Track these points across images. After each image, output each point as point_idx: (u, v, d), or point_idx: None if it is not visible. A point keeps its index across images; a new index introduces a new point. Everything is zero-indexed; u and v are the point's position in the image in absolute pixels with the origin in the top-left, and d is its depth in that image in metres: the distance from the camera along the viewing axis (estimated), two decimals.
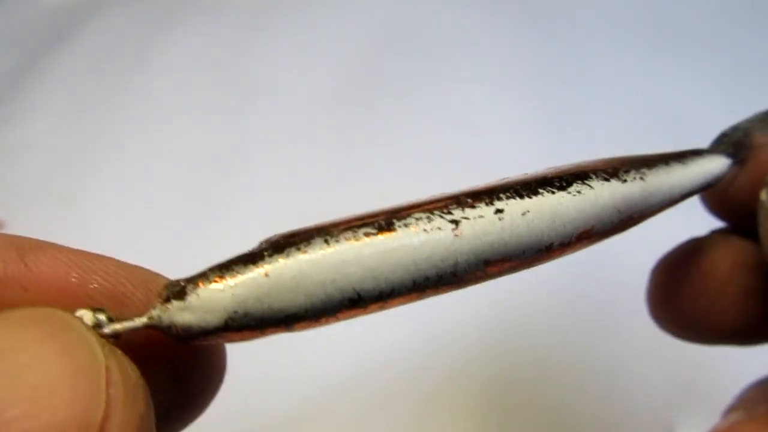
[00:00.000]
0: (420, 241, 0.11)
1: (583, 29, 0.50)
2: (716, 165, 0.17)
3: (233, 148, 0.42)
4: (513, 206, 0.12)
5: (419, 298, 0.12)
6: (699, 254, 0.19)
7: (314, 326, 0.11)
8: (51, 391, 0.09)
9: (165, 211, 0.39)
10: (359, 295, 0.11)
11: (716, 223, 0.20)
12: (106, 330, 0.11)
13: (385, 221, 0.11)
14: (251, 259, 0.11)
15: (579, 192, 0.13)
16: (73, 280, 0.12)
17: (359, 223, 0.12)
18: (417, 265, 0.11)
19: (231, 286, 0.11)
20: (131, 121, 0.44)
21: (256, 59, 0.48)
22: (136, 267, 0.13)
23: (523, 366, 0.32)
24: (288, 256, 0.11)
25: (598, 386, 0.31)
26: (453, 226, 0.12)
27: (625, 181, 0.14)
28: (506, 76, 0.46)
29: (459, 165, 0.39)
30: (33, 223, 0.38)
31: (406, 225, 0.11)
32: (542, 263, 0.13)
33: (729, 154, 0.17)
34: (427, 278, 0.11)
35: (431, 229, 0.11)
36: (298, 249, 0.11)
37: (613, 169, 0.14)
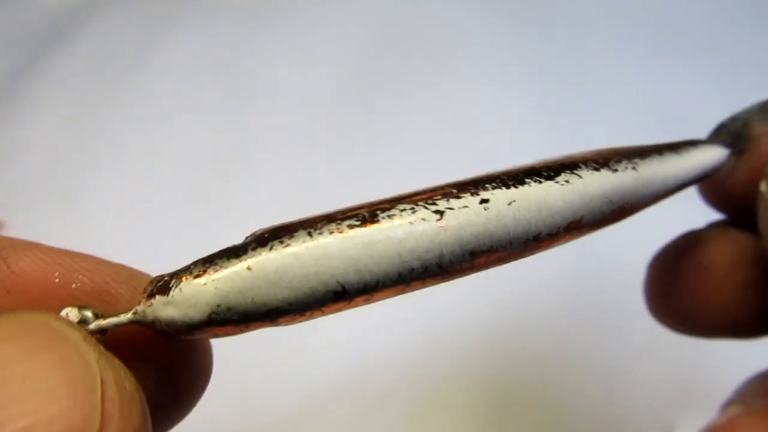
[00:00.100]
0: (404, 232, 0.11)
1: (583, 29, 0.50)
2: (713, 155, 0.16)
3: (233, 148, 0.42)
4: (498, 196, 0.12)
5: (405, 290, 0.12)
6: (697, 247, 0.19)
7: (300, 320, 0.11)
8: (49, 402, 0.09)
9: (165, 211, 0.39)
10: (344, 288, 0.11)
11: (715, 216, 0.19)
12: (91, 326, 0.11)
13: (369, 213, 0.11)
14: (234, 252, 0.11)
15: (567, 181, 0.13)
16: (56, 280, 0.12)
17: (344, 215, 0.11)
18: (401, 256, 0.11)
19: (214, 280, 0.11)
20: (131, 121, 0.44)
21: (256, 59, 0.48)
22: (119, 265, 0.13)
23: (523, 366, 0.32)
24: (271, 249, 0.11)
25: (598, 386, 0.31)
26: (437, 216, 0.11)
27: (616, 170, 0.13)
28: (506, 76, 0.46)
29: (459, 165, 0.39)
30: (33, 223, 0.38)
31: (390, 217, 0.11)
32: (531, 254, 0.12)
33: (727, 145, 0.17)
34: (412, 270, 0.11)
35: (415, 221, 0.11)
36: (282, 242, 0.11)
37: (604, 159, 0.14)
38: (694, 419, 0.17)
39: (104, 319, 0.11)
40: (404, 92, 0.46)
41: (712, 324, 0.19)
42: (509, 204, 0.12)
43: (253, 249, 0.11)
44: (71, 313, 0.11)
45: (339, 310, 0.11)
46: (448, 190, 0.12)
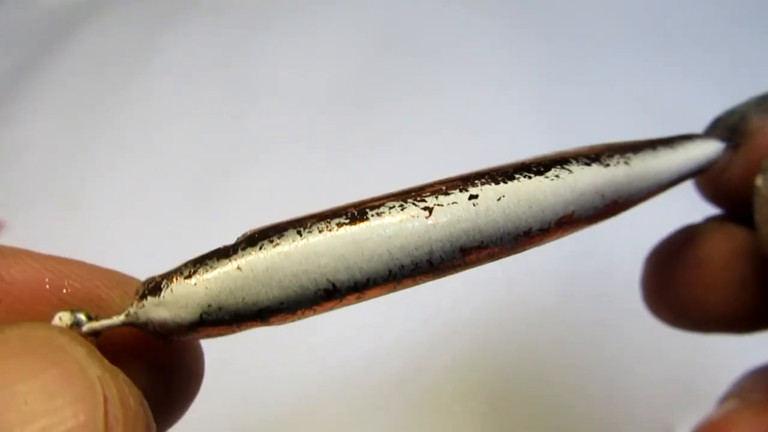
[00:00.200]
0: (393, 229, 0.11)
1: (583, 29, 0.50)
2: (708, 149, 0.16)
3: (233, 148, 0.42)
4: (488, 192, 0.12)
5: (397, 288, 0.12)
6: (694, 242, 0.19)
7: (292, 319, 0.11)
8: (51, 424, 0.09)
9: (165, 211, 0.39)
10: (334, 286, 0.11)
11: (712, 211, 0.19)
12: (84, 328, 0.11)
13: (357, 211, 0.11)
14: (225, 253, 0.11)
15: (557, 176, 0.12)
16: (46, 286, 0.12)
17: (333, 214, 0.11)
18: (391, 254, 0.11)
19: (204, 281, 0.11)
20: (131, 121, 0.44)
21: (256, 59, 0.48)
22: (110, 270, 0.13)
23: (522, 366, 0.32)
24: (261, 248, 0.11)
25: (598, 386, 0.31)
26: (426, 213, 0.11)
27: (608, 165, 0.13)
28: (506, 76, 0.46)
29: (459, 164, 0.39)
30: (33, 223, 0.38)
31: (378, 214, 0.11)
32: (523, 250, 0.12)
33: (724, 139, 0.17)
34: (402, 267, 0.11)
35: (404, 218, 0.11)
36: (271, 242, 0.11)
37: (596, 154, 0.13)
38: (694, 419, 0.17)
39: (97, 322, 0.11)
40: (404, 92, 0.46)
41: (708, 318, 0.18)
42: (498, 199, 0.12)
43: (243, 249, 0.11)
44: (64, 317, 0.11)
45: (331, 308, 0.11)
46: (437, 186, 0.12)
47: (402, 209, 0.11)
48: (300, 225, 0.11)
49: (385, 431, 0.30)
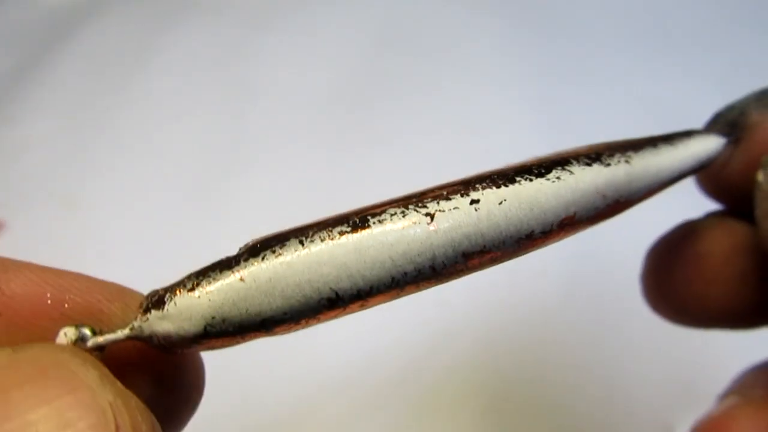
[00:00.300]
0: (395, 236, 0.11)
1: (583, 29, 0.50)
2: (709, 145, 0.16)
3: (233, 149, 0.42)
4: (489, 196, 0.12)
5: (400, 294, 0.12)
6: (694, 237, 0.18)
7: (296, 328, 0.11)
8: None
9: (165, 211, 0.39)
10: (337, 295, 0.11)
11: (712, 206, 0.19)
12: (89, 343, 0.11)
13: (359, 219, 0.11)
14: (227, 264, 0.11)
15: (558, 178, 0.12)
16: (48, 301, 0.12)
17: (334, 222, 0.11)
18: (394, 261, 0.11)
19: (207, 293, 0.11)
20: (131, 121, 0.44)
21: (256, 59, 0.48)
22: (110, 283, 0.13)
23: (522, 366, 0.32)
24: (263, 259, 0.11)
25: (598, 386, 0.31)
26: (428, 219, 0.11)
27: (609, 164, 0.13)
28: (506, 76, 0.46)
29: (459, 164, 0.39)
30: (33, 223, 0.38)
31: (380, 221, 0.11)
32: (526, 253, 0.12)
33: (724, 134, 0.17)
34: (405, 274, 0.11)
35: (406, 224, 0.11)
36: (273, 252, 0.11)
37: (596, 154, 0.13)
38: (694, 419, 0.17)
39: (102, 336, 0.11)
40: (404, 92, 0.46)
41: (708, 314, 0.18)
42: (500, 203, 0.12)
43: (246, 260, 0.11)
44: (69, 332, 0.11)
45: (334, 316, 0.11)
46: (438, 191, 0.12)
47: (404, 216, 0.11)
48: (302, 234, 0.11)
49: (385, 431, 0.30)
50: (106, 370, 0.10)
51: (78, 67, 0.48)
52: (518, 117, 0.43)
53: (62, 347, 0.11)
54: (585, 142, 0.14)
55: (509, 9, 0.51)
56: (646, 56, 0.48)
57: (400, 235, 0.11)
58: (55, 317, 0.12)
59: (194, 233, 0.37)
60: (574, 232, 0.13)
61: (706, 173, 0.17)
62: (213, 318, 0.11)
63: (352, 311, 0.11)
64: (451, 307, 0.33)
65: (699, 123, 0.18)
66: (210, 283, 0.11)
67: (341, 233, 0.11)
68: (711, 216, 0.19)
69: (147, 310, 0.11)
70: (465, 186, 0.12)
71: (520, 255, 0.12)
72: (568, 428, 0.30)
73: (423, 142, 0.42)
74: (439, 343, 0.33)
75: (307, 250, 0.11)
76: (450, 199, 0.12)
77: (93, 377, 0.10)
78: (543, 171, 0.12)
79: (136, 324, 0.11)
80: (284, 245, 0.11)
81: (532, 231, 0.12)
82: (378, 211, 0.11)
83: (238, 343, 0.11)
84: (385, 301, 0.12)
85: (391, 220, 0.11)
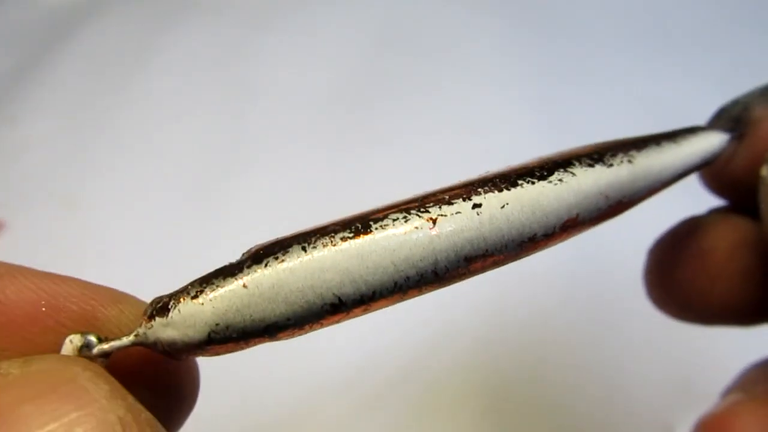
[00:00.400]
0: (397, 241, 0.11)
1: (583, 29, 0.50)
2: (713, 141, 0.16)
3: (233, 149, 0.42)
4: (491, 200, 0.12)
5: (403, 298, 0.12)
6: (698, 233, 0.18)
7: (299, 334, 0.11)
8: None
9: (165, 211, 0.39)
10: (340, 300, 0.11)
11: (716, 202, 0.19)
12: (95, 350, 0.11)
13: (361, 224, 0.11)
14: (230, 271, 0.11)
15: (561, 180, 0.12)
16: (42, 309, 0.12)
17: (337, 227, 0.11)
18: (396, 266, 0.11)
19: (211, 300, 0.11)
20: (131, 121, 0.44)
21: (256, 59, 0.48)
22: (105, 288, 0.13)
23: (522, 366, 0.32)
24: (266, 266, 0.11)
25: (598, 386, 0.31)
26: (430, 224, 0.11)
27: (611, 165, 0.13)
28: (506, 76, 0.46)
29: (459, 164, 0.39)
30: (33, 223, 0.38)
31: (382, 226, 0.11)
32: (528, 255, 0.12)
33: (728, 130, 0.17)
34: (407, 278, 0.11)
35: (408, 229, 0.11)
36: (276, 258, 0.11)
37: (599, 154, 0.13)
38: (694, 419, 0.17)
39: (107, 343, 0.11)
40: (404, 92, 0.46)
41: (711, 310, 0.18)
42: (502, 207, 0.12)
43: (249, 266, 0.11)
44: (75, 339, 0.11)
45: (338, 321, 0.11)
46: (440, 195, 0.12)
47: (406, 221, 0.11)
48: (304, 240, 0.11)
49: (385, 431, 0.30)
50: (117, 384, 0.10)
51: (78, 67, 0.48)
52: (518, 117, 0.43)
53: (74, 360, 0.10)
54: (585, 142, 0.14)
55: (509, 9, 0.51)
56: (646, 56, 0.48)
57: (402, 240, 0.11)
58: (51, 325, 0.12)
59: (194, 233, 0.37)
60: (577, 233, 0.13)
61: (710, 169, 0.17)
62: (217, 325, 0.11)
63: (356, 316, 0.11)
64: (450, 307, 0.33)
65: (699, 123, 0.18)
66: (213, 290, 0.11)
67: (343, 239, 0.11)
68: (715, 212, 0.19)
69: (151, 317, 0.11)
70: (467, 190, 0.12)
71: (523, 257, 0.12)
72: (568, 428, 0.30)
73: (423, 142, 0.42)
74: (439, 343, 0.33)
75: (309, 255, 0.11)
76: (452, 204, 0.12)
77: (103, 391, 0.10)
78: (545, 173, 0.12)
79: (140, 331, 0.11)
80: (287, 251, 0.11)
81: (535, 234, 0.12)
82: (380, 216, 0.11)
83: (242, 348, 0.11)
84: (388, 306, 0.12)
85: (393, 225, 0.11)
